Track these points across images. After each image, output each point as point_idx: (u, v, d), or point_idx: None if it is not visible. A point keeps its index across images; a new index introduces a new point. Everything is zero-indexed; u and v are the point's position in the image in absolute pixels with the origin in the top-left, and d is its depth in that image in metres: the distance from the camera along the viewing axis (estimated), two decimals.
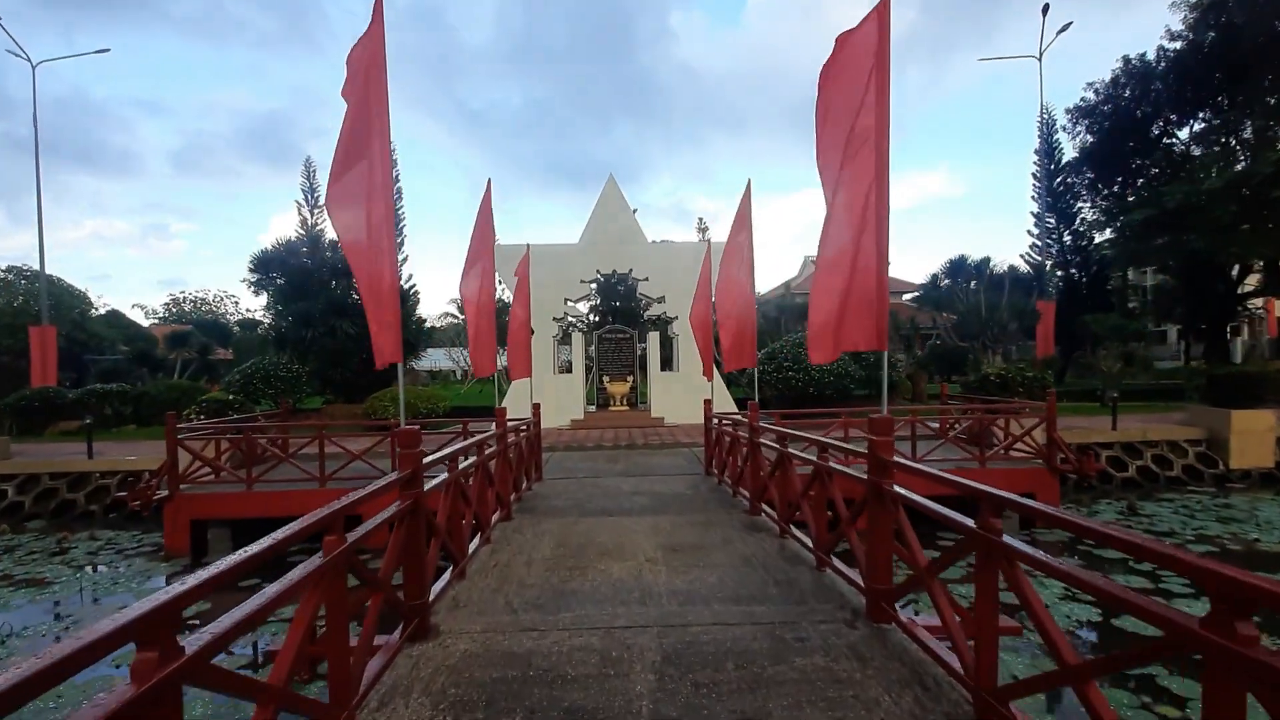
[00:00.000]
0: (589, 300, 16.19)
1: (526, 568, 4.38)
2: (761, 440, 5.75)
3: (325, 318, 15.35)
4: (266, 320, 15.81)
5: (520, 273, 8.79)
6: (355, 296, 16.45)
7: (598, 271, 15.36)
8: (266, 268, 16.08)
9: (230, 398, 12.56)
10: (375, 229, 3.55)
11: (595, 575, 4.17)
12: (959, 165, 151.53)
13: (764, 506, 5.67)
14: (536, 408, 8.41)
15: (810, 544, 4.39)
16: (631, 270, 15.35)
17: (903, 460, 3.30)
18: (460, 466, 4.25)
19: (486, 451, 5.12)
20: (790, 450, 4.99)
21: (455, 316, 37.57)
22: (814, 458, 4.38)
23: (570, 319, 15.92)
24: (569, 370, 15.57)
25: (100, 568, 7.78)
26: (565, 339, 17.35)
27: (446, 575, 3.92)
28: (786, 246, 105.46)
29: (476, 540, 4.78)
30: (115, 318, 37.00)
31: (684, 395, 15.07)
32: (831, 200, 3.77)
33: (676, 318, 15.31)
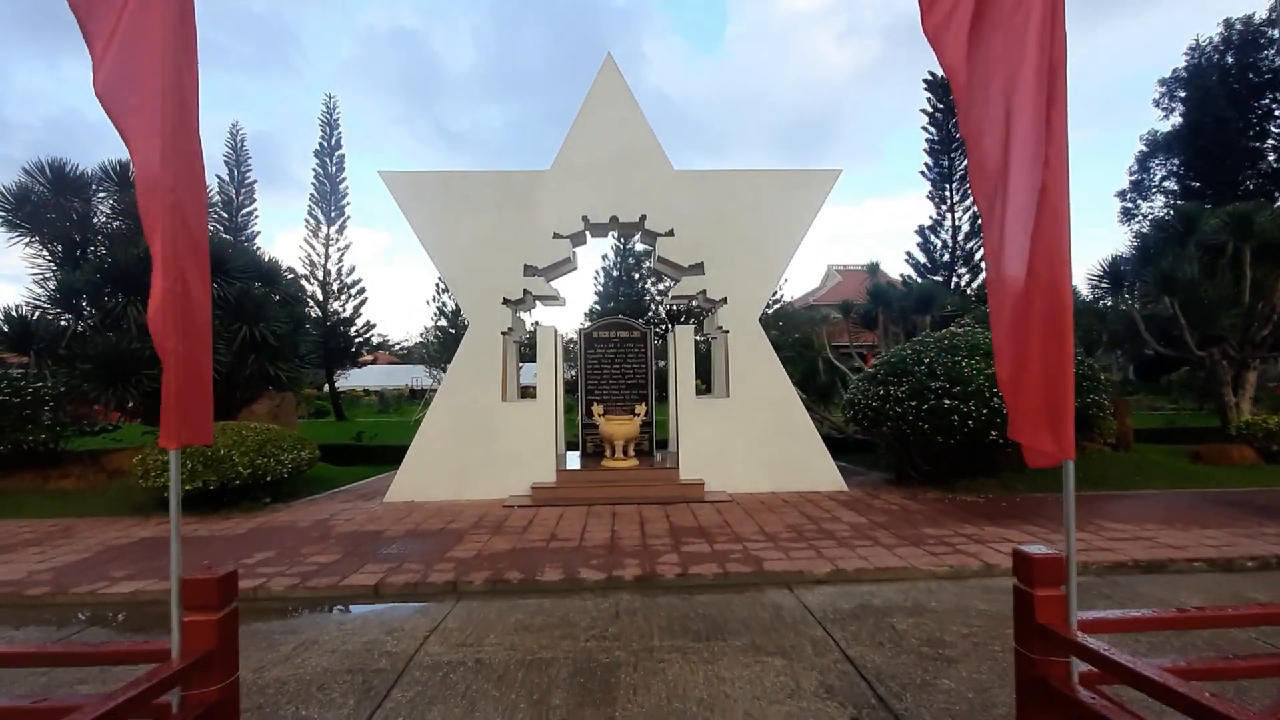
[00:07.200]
0: (571, 265, 9.48)
1: None
2: None
3: (101, 295, 8.60)
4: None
5: None
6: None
7: (584, 219, 8.74)
8: (23, 214, 9.35)
9: None
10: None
11: None
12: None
13: None
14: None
15: None
16: (644, 218, 8.76)
17: None
18: None
19: None
20: None
21: (439, 332, 31.69)
22: None
23: (535, 299, 9.14)
24: (533, 394, 8.73)
25: None
26: (529, 344, 10.59)
27: None
28: (805, 256, 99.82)
29: None
30: None
31: (741, 440, 8.30)
32: None
33: (724, 300, 8.64)
